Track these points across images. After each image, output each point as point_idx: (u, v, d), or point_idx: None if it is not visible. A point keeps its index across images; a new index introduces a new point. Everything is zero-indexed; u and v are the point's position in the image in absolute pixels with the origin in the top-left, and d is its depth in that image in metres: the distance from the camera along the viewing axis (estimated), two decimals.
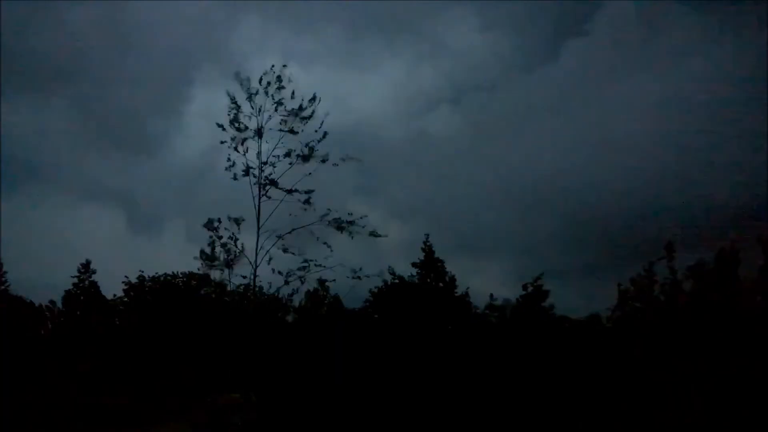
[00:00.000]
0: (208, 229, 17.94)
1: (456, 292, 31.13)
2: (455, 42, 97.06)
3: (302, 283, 18.46)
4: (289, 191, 17.97)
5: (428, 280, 30.56)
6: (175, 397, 24.31)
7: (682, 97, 71.63)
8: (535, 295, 30.10)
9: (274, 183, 18.05)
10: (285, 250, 17.96)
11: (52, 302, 33.22)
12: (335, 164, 18.30)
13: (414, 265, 31.22)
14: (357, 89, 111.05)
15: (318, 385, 22.01)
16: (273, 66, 18.54)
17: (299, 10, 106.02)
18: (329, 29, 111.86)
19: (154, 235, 76.26)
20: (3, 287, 27.06)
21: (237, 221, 17.83)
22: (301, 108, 18.30)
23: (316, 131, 18.18)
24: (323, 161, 18.16)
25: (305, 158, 18.18)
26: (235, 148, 18.18)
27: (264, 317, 26.37)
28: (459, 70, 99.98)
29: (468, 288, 31.65)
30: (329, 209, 18.04)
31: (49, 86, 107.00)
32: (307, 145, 18.25)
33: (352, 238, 18.18)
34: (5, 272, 26.56)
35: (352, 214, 18.19)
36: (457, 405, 20.35)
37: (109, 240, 68.88)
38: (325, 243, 17.87)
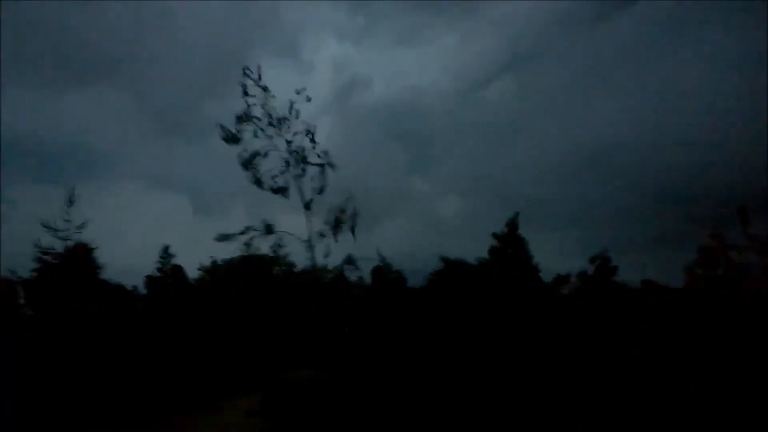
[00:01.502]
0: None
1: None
2: (511, 9, 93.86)
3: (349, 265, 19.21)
4: (321, 165, 18.48)
5: (506, 256, 30.79)
6: (251, 373, 25.55)
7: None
8: (601, 271, 29.54)
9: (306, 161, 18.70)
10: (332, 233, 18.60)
11: (134, 287, 35.61)
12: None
13: (495, 236, 31.14)
14: (412, 63, 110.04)
15: (383, 364, 22.47)
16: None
17: None
18: (381, 4, 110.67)
19: (219, 217, 79.61)
20: (97, 273, 28.77)
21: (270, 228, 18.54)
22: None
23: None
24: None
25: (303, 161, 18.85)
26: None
27: (328, 296, 27.19)
28: (516, 37, 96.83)
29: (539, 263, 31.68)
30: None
31: (109, 77, 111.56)
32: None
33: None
34: (97, 259, 28.18)
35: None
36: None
37: (177, 224, 72.40)
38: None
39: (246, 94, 17.86)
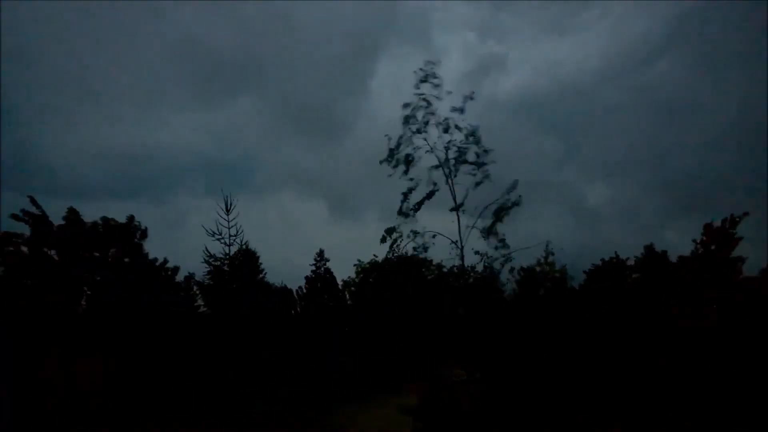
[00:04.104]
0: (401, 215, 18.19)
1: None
2: None
3: (504, 264, 17.96)
4: (479, 165, 17.48)
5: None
6: (401, 371, 25.87)
7: None
8: None
9: (463, 162, 17.72)
10: (484, 236, 17.57)
11: (300, 288, 38.30)
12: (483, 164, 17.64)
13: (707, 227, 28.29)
14: (562, 52, 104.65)
15: (539, 363, 21.40)
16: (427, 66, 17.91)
17: None
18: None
19: (356, 217, 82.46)
20: (260, 276, 31.23)
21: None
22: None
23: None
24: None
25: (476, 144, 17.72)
26: (420, 134, 18.01)
27: (480, 295, 26.53)
28: (679, 15, 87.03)
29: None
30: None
31: (240, 86, 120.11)
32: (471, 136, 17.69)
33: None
34: (261, 263, 30.50)
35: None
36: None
37: (316, 225, 76.44)
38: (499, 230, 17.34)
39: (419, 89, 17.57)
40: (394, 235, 18.02)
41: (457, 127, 17.72)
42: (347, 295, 38.75)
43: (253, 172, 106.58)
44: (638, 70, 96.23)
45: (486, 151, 17.46)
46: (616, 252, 29.95)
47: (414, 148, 17.81)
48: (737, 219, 27.08)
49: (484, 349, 22.34)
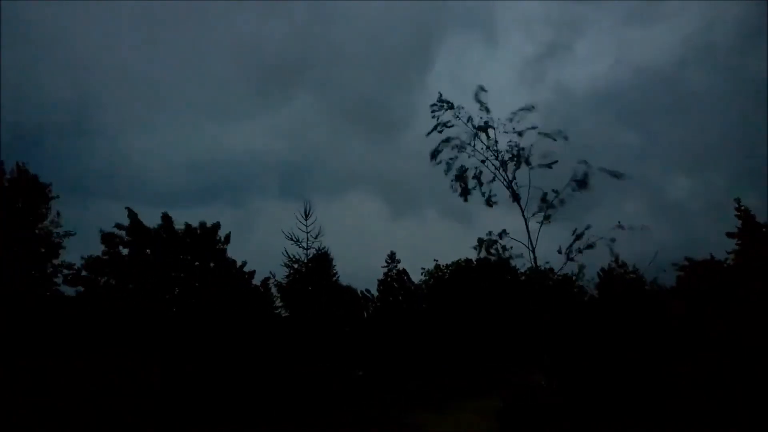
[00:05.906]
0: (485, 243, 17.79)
1: None
2: None
3: (582, 251, 17.09)
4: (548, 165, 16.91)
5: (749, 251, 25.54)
6: (476, 375, 25.32)
7: None
8: None
9: (526, 162, 17.12)
10: (547, 217, 16.82)
11: (367, 290, 38.40)
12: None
13: (729, 235, 26.38)
14: (644, 42, 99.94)
15: (621, 368, 20.42)
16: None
17: None
18: None
19: (417, 214, 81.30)
20: (333, 278, 31.40)
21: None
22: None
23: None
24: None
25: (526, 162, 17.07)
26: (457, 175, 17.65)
27: (558, 298, 25.67)
28: None
29: None
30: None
31: (293, 85, 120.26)
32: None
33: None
34: (335, 265, 30.69)
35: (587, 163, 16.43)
36: None
37: (377, 226, 76.04)
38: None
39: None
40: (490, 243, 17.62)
41: (517, 132, 17.17)
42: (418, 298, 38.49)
43: (316, 172, 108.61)
44: (729, 54, 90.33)
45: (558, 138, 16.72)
46: (711, 254, 27.83)
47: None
48: (742, 207, 24.91)
49: (564, 352, 21.65)
